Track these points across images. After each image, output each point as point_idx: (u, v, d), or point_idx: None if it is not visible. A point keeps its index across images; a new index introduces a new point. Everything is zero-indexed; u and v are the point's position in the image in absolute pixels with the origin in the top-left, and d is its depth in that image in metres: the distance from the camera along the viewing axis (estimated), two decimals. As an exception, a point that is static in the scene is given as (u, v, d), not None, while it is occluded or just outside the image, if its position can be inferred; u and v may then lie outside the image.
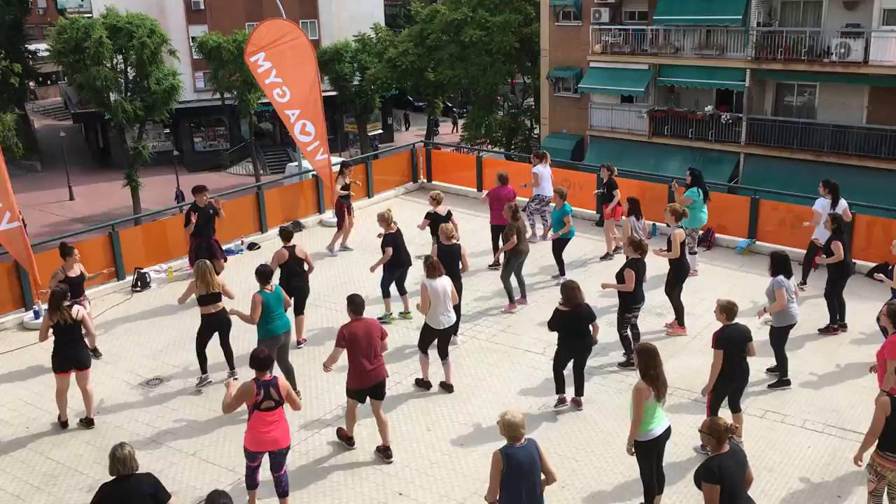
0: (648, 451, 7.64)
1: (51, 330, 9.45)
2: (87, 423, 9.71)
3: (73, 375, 9.55)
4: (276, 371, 8.66)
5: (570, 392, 9.80)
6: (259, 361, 7.71)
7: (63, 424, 9.70)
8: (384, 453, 8.87)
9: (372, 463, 8.84)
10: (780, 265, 9.88)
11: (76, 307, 9.58)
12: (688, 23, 30.08)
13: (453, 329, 10.54)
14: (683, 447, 8.86)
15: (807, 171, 26.70)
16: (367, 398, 8.82)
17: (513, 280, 12.50)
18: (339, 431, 9.24)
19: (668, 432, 7.67)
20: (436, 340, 10.16)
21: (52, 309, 9.40)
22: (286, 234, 11.42)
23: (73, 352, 9.46)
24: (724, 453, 6.36)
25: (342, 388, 10.18)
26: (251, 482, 7.91)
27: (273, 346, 9.57)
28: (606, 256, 14.40)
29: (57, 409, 9.73)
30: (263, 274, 9.81)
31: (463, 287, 11.54)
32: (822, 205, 12.45)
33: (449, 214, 12.73)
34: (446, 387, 10.25)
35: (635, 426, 7.45)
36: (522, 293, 12.66)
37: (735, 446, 6.54)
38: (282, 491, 7.92)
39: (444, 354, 10.23)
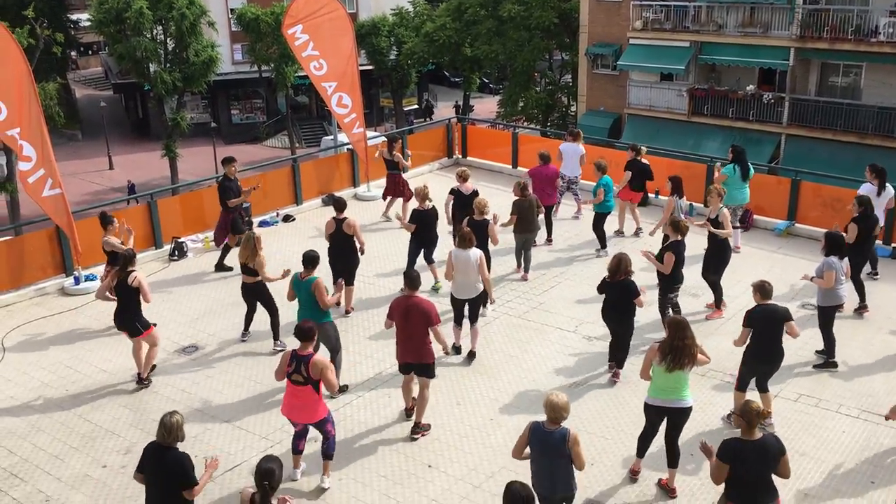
0: (646, 414, 7.87)
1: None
2: (137, 380, 10.02)
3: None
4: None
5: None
6: (299, 331, 7.85)
7: (141, 381, 10.03)
8: (412, 427, 9.00)
9: (403, 434, 8.92)
10: (834, 245, 9.83)
11: (133, 274, 9.75)
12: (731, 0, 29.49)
13: (482, 300, 10.52)
14: (714, 427, 8.80)
15: (850, 154, 26.18)
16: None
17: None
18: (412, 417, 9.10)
19: (675, 412, 7.67)
20: (466, 309, 10.31)
21: (118, 272, 9.79)
22: (340, 205, 11.44)
23: (121, 318, 9.83)
24: (750, 440, 6.32)
25: (374, 359, 10.40)
26: (294, 447, 8.16)
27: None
28: (637, 232, 14.35)
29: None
30: (306, 259, 9.50)
31: (492, 260, 11.59)
32: (867, 190, 12.17)
33: (475, 194, 12.60)
34: (470, 355, 10.34)
35: (641, 375, 7.90)
36: (525, 268, 12.68)
37: (769, 439, 6.44)
38: (325, 453, 8.08)
39: (473, 319, 10.38)
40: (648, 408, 7.81)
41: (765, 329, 8.45)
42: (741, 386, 8.70)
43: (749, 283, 8.92)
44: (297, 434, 8.11)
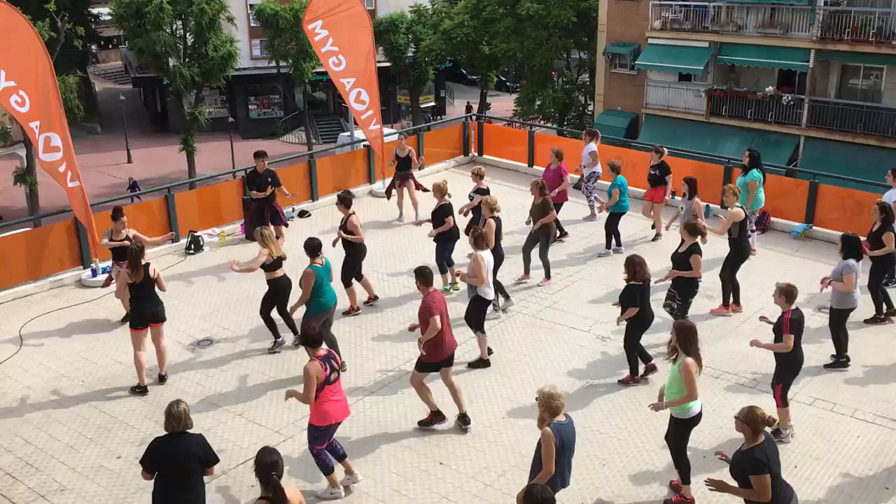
0: (687, 429, 7.59)
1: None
2: (160, 379, 9.96)
3: (149, 332, 9.77)
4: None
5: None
6: (313, 339, 7.72)
7: (143, 391, 9.75)
8: (462, 420, 8.94)
9: (414, 432, 8.93)
10: (851, 248, 9.77)
11: (152, 266, 9.76)
12: (751, 0, 29.28)
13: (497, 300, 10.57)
14: (728, 431, 8.75)
15: (869, 157, 25.97)
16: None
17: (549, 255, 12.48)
18: (426, 421, 8.94)
19: (701, 412, 7.61)
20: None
21: (131, 268, 9.59)
22: (349, 202, 11.48)
23: (149, 307, 9.72)
24: (761, 444, 6.26)
25: (387, 356, 10.39)
26: (329, 465, 7.77)
27: (323, 320, 9.71)
28: (656, 238, 14.25)
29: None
30: (313, 247, 9.80)
31: (504, 258, 11.56)
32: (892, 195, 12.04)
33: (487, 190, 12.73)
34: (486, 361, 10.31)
35: (688, 399, 7.33)
36: (547, 274, 12.53)
37: (767, 435, 6.39)
38: (340, 454, 7.97)
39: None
40: (689, 420, 7.50)
41: (800, 334, 8.39)
42: (784, 401, 8.50)
43: (765, 286, 8.87)
44: (324, 450, 7.78)
